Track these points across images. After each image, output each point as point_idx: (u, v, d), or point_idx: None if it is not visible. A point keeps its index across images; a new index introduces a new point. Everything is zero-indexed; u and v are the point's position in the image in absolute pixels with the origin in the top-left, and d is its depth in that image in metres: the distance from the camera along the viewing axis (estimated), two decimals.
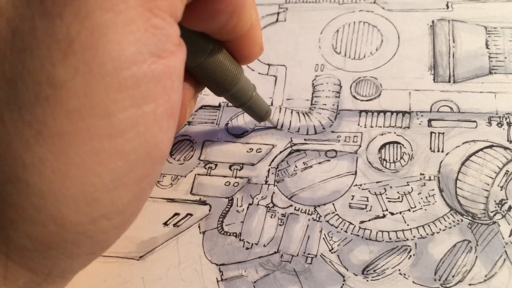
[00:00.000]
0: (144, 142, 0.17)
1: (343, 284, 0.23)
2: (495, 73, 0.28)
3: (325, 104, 0.29)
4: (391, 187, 0.25)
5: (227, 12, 0.20)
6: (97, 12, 0.15)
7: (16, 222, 0.16)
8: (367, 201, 0.25)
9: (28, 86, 0.15)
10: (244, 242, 0.25)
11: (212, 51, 0.22)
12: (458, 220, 0.24)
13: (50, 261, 0.18)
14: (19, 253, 0.17)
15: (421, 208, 0.24)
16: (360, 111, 0.28)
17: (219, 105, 0.30)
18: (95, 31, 0.15)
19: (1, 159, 0.16)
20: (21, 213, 0.16)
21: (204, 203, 0.27)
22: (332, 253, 0.24)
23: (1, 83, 0.16)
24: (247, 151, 0.28)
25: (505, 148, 0.25)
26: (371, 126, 0.27)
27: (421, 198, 0.25)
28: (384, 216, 0.24)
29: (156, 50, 0.16)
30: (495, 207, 0.24)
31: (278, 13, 0.33)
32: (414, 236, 0.24)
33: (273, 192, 0.26)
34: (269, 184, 0.27)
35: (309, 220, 0.25)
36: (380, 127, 0.27)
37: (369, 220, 0.24)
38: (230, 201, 0.26)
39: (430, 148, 0.26)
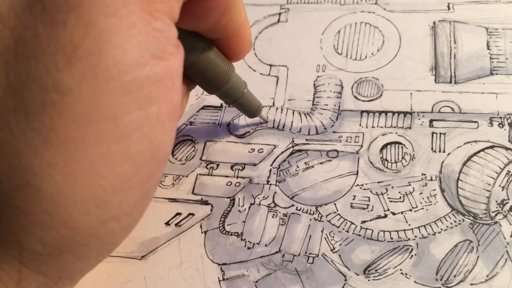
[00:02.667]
0: (149, 144, 0.17)
1: (344, 284, 0.23)
2: (496, 74, 0.28)
3: (327, 105, 0.29)
4: (392, 187, 0.25)
5: (219, 10, 0.20)
6: (100, 18, 0.15)
7: (28, 227, 0.16)
8: (369, 201, 0.25)
9: (34, 93, 0.15)
10: (245, 241, 0.25)
11: (203, 50, 0.23)
12: (459, 220, 0.24)
13: (61, 264, 0.18)
14: (32, 258, 0.17)
15: (422, 208, 0.24)
16: (362, 112, 0.28)
17: (221, 106, 0.30)
18: (98, 37, 0.15)
19: (11, 166, 0.16)
20: (33, 218, 0.16)
21: (206, 203, 0.27)
22: (333, 252, 0.24)
23: (7, 91, 0.16)
24: (249, 151, 0.28)
25: (507, 148, 0.25)
26: (373, 127, 0.27)
27: (423, 198, 0.25)
28: (385, 216, 0.24)
29: (157, 52, 0.17)
30: (497, 207, 0.24)
31: (279, 14, 0.34)
32: (415, 236, 0.24)
33: (275, 192, 0.26)
34: (270, 184, 0.27)
35: (310, 220, 0.25)
36: (382, 127, 0.27)
37: (371, 220, 0.24)
38: (232, 201, 0.26)
39: (432, 149, 0.26)
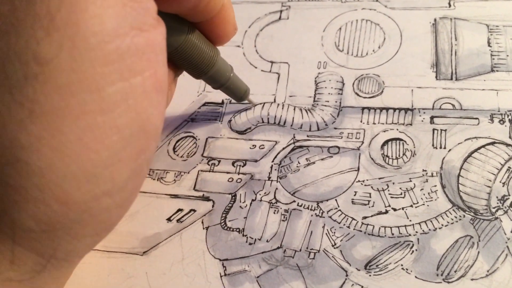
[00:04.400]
0: (136, 116, 0.17)
1: (345, 279, 0.23)
2: (497, 70, 0.28)
3: (328, 101, 0.29)
4: (393, 183, 0.25)
5: None
6: None
7: (20, 203, 0.16)
8: (370, 197, 0.25)
9: (16, 66, 0.15)
10: (247, 237, 0.25)
11: (187, 34, 0.23)
12: (460, 216, 0.24)
13: (55, 242, 0.18)
14: (25, 236, 0.17)
15: (423, 204, 0.24)
16: (363, 108, 0.28)
17: (222, 102, 0.30)
18: (74, 6, 0.15)
19: None
20: (24, 194, 0.16)
21: (207, 199, 0.27)
22: (335, 248, 0.24)
23: None
24: (250, 148, 0.28)
25: (507, 145, 0.25)
26: (374, 123, 0.27)
27: (424, 194, 0.25)
28: (386, 212, 0.25)
29: (137, 23, 0.17)
30: (497, 203, 0.24)
31: (281, 11, 0.34)
32: (416, 232, 0.24)
33: (276, 188, 0.26)
34: (272, 180, 0.27)
35: (312, 215, 0.25)
36: (383, 124, 0.27)
37: (372, 216, 0.25)
38: (233, 197, 0.27)
39: (433, 145, 0.26)
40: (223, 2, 0.22)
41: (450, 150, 0.26)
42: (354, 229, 0.24)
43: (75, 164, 0.16)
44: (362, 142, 0.27)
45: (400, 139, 0.27)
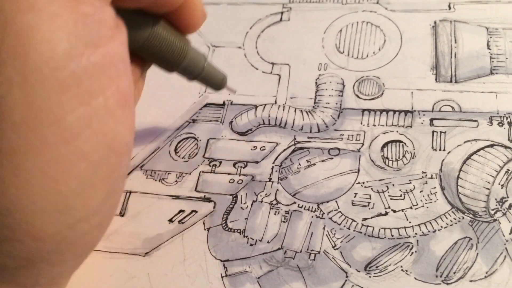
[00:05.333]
0: (102, 138, 0.16)
1: (346, 280, 0.23)
2: (496, 73, 0.28)
3: (328, 103, 0.29)
4: (393, 185, 0.26)
5: None
6: (17, 16, 0.14)
7: None
8: (370, 198, 0.25)
9: None
10: (248, 238, 0.25)
11: (152, 27, 0.21)
12: (459, 218, 0.24)
13: (34, 273, 0.17)
14: (4, 273, 0.17)
15: (423, 206, 0.25)
16: (363, 110, 0.28)
17: (224, 103, 0.31)
18: (20, 36, 0.14)
19: None
20: None
21: (208, 200, 0.27)
22: (335, 249, 0.24)
23: None
24: (251, 149, 0.28)
25: (506, 147, 0.26)
26: (374, 125, 0.28)
27: (423, 196, 0.25)
28: (386, 213, 0.25)
29: (91, 39, 0.15)
30: (496, 205, 0.24)
31: (282, 13, 0.34)
32: (416, 233, 0.24)
33: (277, 190, 0.27)
34: (272, 182, 0.27)
35: (312, 217, 0.25)
36: (383, 125, 0.28)
37: (372, 218, 0.25)
38: (234, 198, 0.27)
39: (432, 147, 0.26)
40: None
41: (449, 152, 0.26)
42: (354, 230, 0.25)
43: (43, 199, 0.16)
44: (362, 144, 0.27)
45: (400, 141, 0.27)
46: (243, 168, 0.28)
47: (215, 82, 0.26)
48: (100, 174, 0.17)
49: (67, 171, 0.16)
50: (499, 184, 0.25)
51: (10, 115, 0.15)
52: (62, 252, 0.17)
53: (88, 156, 0.16)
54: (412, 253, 0.23)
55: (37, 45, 0.14)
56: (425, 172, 0.26)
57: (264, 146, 0.28)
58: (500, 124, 0.26)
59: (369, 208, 0.25)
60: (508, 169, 0.25)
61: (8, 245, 0.16)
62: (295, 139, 0.28)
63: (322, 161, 0.27)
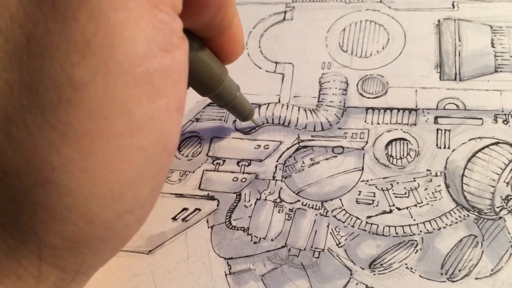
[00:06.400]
0: (160, 136, 0.18)
1: (350, 278, 0.23)
2: (500, 71, 0.28)
3: (332, 102, 0.29)
4: (397, 182, 0.25)
5: (215, 5, 0.20)
6: (110, 12, 0.15)
7: (48, 222, 0.17)
8: (374, 196, 0.25)
9: (49, 89, 0.15)
10: (252, 236, 0.25)
11: (198, 50, 0.23)
12: (464, 216, 0.24)
13: (79, 259, 0.18)
14: (51, 253, 0.17)
15: (427, 204, 0.25)
16: (367, 108, 0.28)
17: None
18: (110, 31, 0.15)
19: (29, 163, 0.16)
20: (52, 213, 0.16)
21: (212, 198, 0.27)
22: (339, 247, 0.24)
23: (21, 89, 0.16)
24: (255, 148, 0.28)
25: (511, 145, 0.25)
26: (378, 123, 0.28)
27: (428, 194, 0.25)
28: (391, 211, 0.25)
29: (164, 45, 0.17)
30: (501, 202, 0.24)
31: (285, 12, 0.34)
32: (420, 231, 0.24)
33: (281, 188, 0.27)
34: (276, 180, 0.27)
35: (316, 215, 0.25)
36: (387, 124, 0.27)
37: (376, 215, 0.25)
38: (238, 196, 0.27)
39: (437, 145, 0.26)
40: (234, 19, 0.22)
41: (454, 150, 0.26)
42: (358, 228, 0.25)
43: (103, 184, 0.17)
44: (366, 142, 0.27)
45: (404, 139, 0.27)
46: (247, 166, 0.28)
47: (243, 112, 0.27)
48: (152, 169, 0.18)
49: (127, 161, 0.17)
50: (504, 181, 0.24)
51: (89, 102, 0.16)
52: (107, 240, 0.18)
53: (146, 151, 0.17)
54: (417, 250, 0.23)
55: (123, 41, 0.16)
56: (429, 170, 0.25)
57: (267, 145, 0.28)
58: (505, 122, 0.26)
59: (374, 206, 0.25)
60: None
61: (62, 225, 0.17)
62: (298, 137, 0.28)
63: (326, 159, 0.27)
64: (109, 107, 0.16)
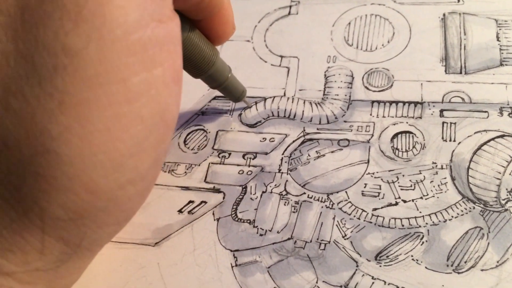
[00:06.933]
0: (157, 106, 0.18)
1: (356, 270, 0.23)
2: (506, 64, 0.28)
3: (338, 95, 0.29)
4: (403, 175, 0.26)
5: None
6: None
7: (49, 193, 0.17)
8: (380, 189, 0.25)
9: (45, 58, 0.16)
10: (258, 228, 0.25)
11: (188, 32, 0.23)
12: (470, 208, 0.24)
13: (82, 231, 0.18)
14: (54, 225, 0.17)
15: (433, 196, 0.25)
16: (372, 102, 0.28)
17: None
18: None
19: (29, 133, 0.16)
20: (54, 183, 0.16)
21: (218, 191, 0.27)
22: (345, 239, 0.24)
23: (17, 59, 0.16)
24: (260, 141, 0.28)
25: None
26: (384, 116, 0.28)
27: (433, 186, 0.25)
28: (396, 203, 0.25)
29: (156, 15, 0.17)
30: (507, 195, 0.24)
31: (290, 7, 0.34)
32: (426, 223, 0.24)
33: (286, 180, 0.27)
34: (282, 173, 0.27)
35: (322, 207, 0.25)
36: (393, 117, 0.28)
37: (382, 208, 0.25)
38: (244, 189, 0.27)
39: (442, 138, 0.26)
40: (224, 0, 0.23)
41: (459, 143, 0.26)
42: (364, 220, 0.25)
43: (102, 153, 0.17)
44: (372, 135, 0.27)
45: (410, 132, 0.27)
46: (253, 159, 0.28)
47: (235, 93, 0.28)
48: (151, 140, 0.18)
49: (126, 130, 0.17)
50: (510, 174, 0.24)
51: (84, 69, 0.16)
52: (109, 212, 0.18)
53: (144, 120, 0.17)
54: (423, 242, 0.23)
55: (114, 9, 0.16)
56: (435, 163, 0.26)
57: (273, 138, 0.28)
58: (511, 115, 0.26)
59: (379, 199, 0.25)
60: None
61: (64, 195, 0.17)
62: (304, 130, 0.28)
63: (332, 152, 0.27)
64: (104, 74, 0.16)
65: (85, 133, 0.16)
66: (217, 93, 0.31)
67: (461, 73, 0.28)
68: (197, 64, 0.24)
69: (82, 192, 0.17)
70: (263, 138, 0.28)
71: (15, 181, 0.16)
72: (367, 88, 0.29)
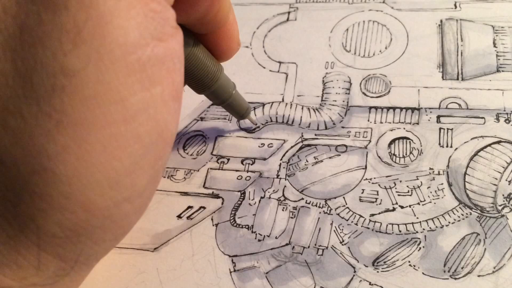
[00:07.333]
0: (155, 125, 0.18)
1: (353, 275, 0.23)
2: (502, 71, 0.28)
3: (335, 101, 0.29)
4: (400, 181, 0.26)
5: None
6: (100, 0, 0.16)
7: (46, 211, 0.17)
8: (377, 194, 0.26)
9: (43, 78, 0.16)
10: (256, 234, 0.25)
11: (193, 47, 0.23)
12: (467, 214, 0.24)
13: (78, 248, 0.18)
14: (50, 242, 0.17)
15: (430, 202, 0.25)
16: (370, 108, 0.29)
17: None
18: (100, 18, 0.16)
19: (26, 152, 0.16)
20: (50, 202, 0.17)
21: (216, 196, 0.27)
22: (342, 245, 0.24)
23: (16, 79, 0.16)
24: (259, 146, 0.29)
25: None
26: (381, 122, 0.28)
27: (430, 192, 0.25)
28: (394, 209, 0.25)
29: (157, 33, 0.17)
30: (503, 200, 0.24)
31: (289, 13, 0.34)
32: (423, 229, 0.24)
33: (285, 186, 0.27)
34: (280, 178, 0.27)
35: (320, 213, 0.26)
36: (390, 123, 0.28)
37: (379, 213, 0.25)
38: (242, 195, 0.27)
39: (439, 144, 0.26)
40: (229, 15, 0.22)
41: (456, 148, 0.26)
42: (361, 226, 0.25)
43: (99, 172, 0.17)
44: (370, 141, 0.27)
45: (407, 138, 0.27)
46: (251, 165, 0.28)
47: (240, 111, 0.27)
48: (149, 158, 0.18)
49: (123, 149, 0.17)
50: (506, 180, 0.25)
51: (82, 89, 0.16)
52: (105, 229, 0.18)
53: (142, 139, 0.17)
54: (420, 248, 0.24)
55: (114, 29, 0.16)
56: (432, 169, 0.26)
57: (271, 143, 0.29)
58: (507, 121, 0.26)
59: (377, 204, 0.25)
60: None
61: (60, 213, 0.17)
62: (302, 136, 0.28)
63: (330, 157, 0.27)
64: (102, 95, 0.16)
65: (82, 153, 0.16)
66: None
67: (458, 79, 0.29)
68: (200, 80, 0.24)
69: (79, 210, 0.17)
70: (262, 144, 0.29)
71: (12, 198, 0.17)
72: (365, 94, 0.29)
